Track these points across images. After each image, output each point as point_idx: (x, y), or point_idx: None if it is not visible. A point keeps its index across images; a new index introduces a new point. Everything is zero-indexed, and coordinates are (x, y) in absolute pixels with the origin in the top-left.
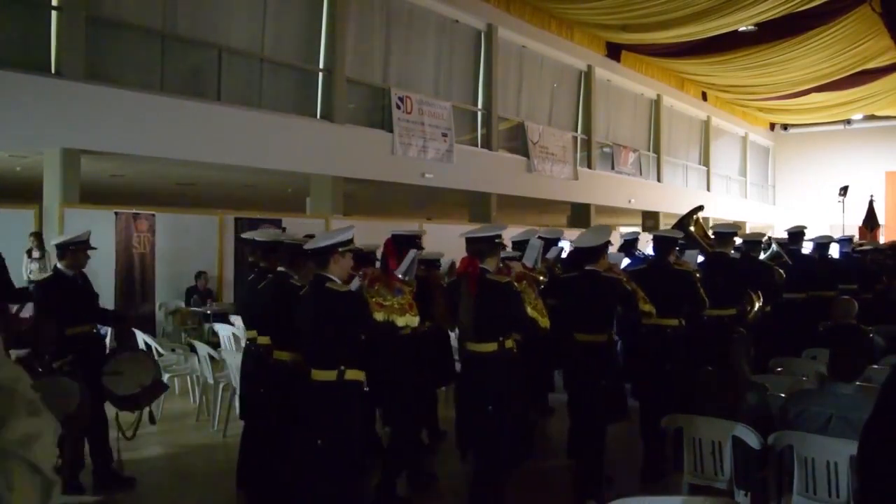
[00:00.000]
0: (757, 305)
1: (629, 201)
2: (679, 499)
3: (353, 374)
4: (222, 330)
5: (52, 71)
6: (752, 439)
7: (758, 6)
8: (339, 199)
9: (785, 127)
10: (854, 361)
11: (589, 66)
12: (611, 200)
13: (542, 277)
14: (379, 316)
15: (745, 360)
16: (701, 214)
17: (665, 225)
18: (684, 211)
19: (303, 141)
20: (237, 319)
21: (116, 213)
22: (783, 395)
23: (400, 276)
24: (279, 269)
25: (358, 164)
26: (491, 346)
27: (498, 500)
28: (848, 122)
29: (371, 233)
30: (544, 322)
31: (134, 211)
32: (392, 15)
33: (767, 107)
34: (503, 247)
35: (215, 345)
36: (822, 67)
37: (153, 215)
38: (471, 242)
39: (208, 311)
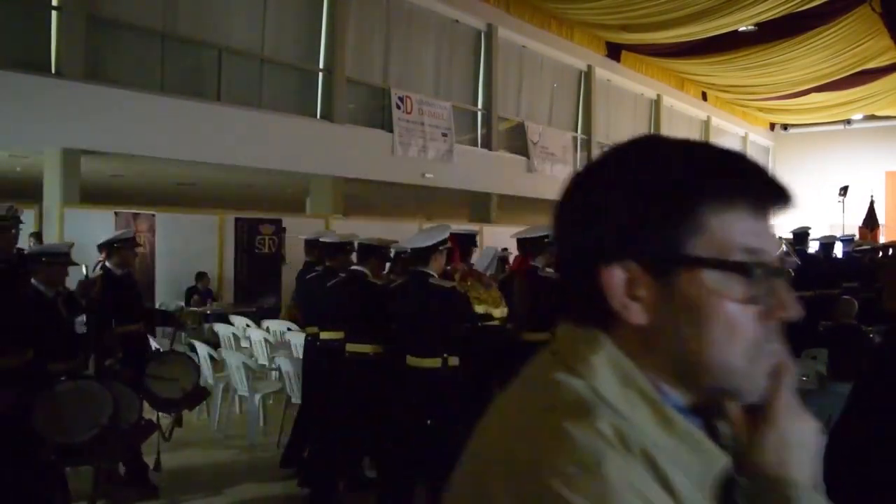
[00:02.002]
0: None
1: None
2: None
3: (453, 361)
4: (222, 330)
5: (52, 71)
6: None
7: (758, 6)
8: (339, 199)
9: (785, 127)
10: (854, 361)
11: (589, 66)
12: None
13: None
14: (479, 309)
15: None
16: None
17: None
18: None
19: (303, 141)
20: (237, 319)
21: (116, 213)
22: None
23: (482, 270)
24: (354, 268)
25: (358, 164)
26: (545, 336)
27: None
28: (848, 122)
29: (371, 233)
30: None
31: (134, 211)
32: (392, 15)
33: (767, 107)
34: (550, 244)
35: (215, 345)
36: (822, 67)
37: (153, 215)
38: (522, 243)
39: (208, 311)
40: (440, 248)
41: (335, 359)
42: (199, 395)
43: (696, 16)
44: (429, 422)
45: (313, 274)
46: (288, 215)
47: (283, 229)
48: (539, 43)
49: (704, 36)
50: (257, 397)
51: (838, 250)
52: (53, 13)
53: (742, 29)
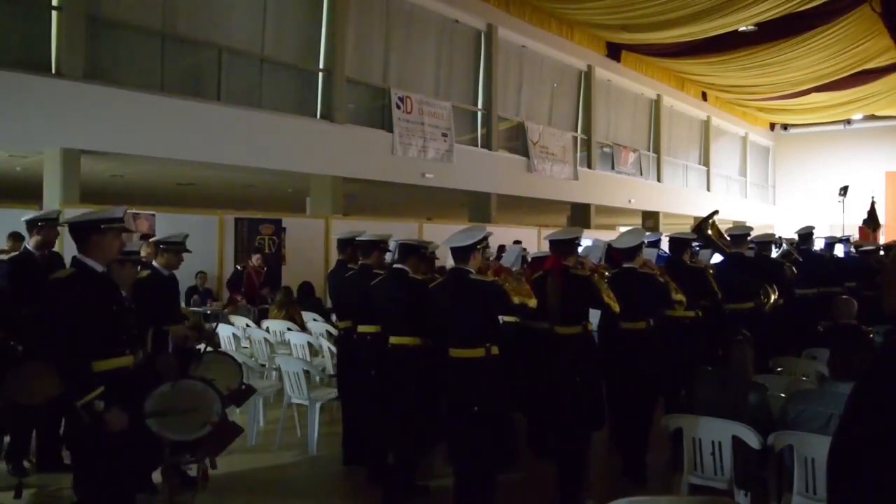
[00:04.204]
0: (772, 298)
1: (629, 201)
2: (679, 499)
3: (495, 350)
4: (222, 330)
5: (52, 71)
6: (752, 439)
7: (758, 6)
8: (339, 199)
9: (785, 127)
10: (854, 361)
11: (589, 66)
12: (611, 200)
13: (606, 273)
14: (516, 300)
15: (748, 361)
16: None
17: (665, 225)
18: (685, 211)
19: (303, 141)
20: (237, 319)
21: None
22: (783, 395)
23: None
24: (396, 266)
25: (358, 164)
26: (576, 329)
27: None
28: (848, 122)
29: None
30: (615, 307)
31: (134, 211)
32: (392, 15)
33: (767, 107)
34: (578, 245)
35: (215, 345)
36: (822, 67)
37: (153, 215)
38: (554, 244)
39: (208, 311)
40: (478, 246)
41: (373, 350)
42: (244, 393)
43: (696, 16)
44: (475, 408)
45: (350, 272)
46: (288, 215)
47: (283, 229)
48: (539, 43)
49: (704, 36)
50: (258, 398)
51: (839, 250)
52: (53, 13)
53: (742, 29)
